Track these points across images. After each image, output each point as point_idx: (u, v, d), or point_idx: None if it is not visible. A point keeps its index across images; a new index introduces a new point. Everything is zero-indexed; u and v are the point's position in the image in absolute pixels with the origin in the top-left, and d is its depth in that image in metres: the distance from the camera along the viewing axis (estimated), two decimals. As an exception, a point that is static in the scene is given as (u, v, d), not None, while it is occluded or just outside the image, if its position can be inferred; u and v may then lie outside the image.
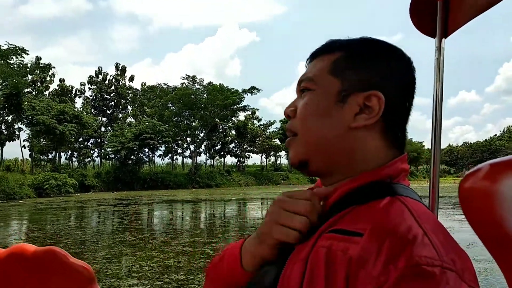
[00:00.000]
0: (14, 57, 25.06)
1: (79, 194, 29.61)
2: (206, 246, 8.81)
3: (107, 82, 44.81)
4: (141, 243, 9.43)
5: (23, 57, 25.83)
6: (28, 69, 28.50)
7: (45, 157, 35.83)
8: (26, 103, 30.89)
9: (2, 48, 24.11)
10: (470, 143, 64.27)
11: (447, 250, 0.47)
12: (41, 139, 33.89)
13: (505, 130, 59.19)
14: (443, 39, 1.25)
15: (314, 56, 0.68)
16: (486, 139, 61.58)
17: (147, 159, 40.21)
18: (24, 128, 33.33)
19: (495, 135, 60.56)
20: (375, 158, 0.61)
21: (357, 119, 0.60)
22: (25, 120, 31.87)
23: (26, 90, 39.22)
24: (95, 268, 6.86)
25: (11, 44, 24.44)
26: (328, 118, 0.61)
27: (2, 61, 24.14)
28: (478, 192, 0.66)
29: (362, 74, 0.62)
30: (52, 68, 40.53)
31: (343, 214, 0.56)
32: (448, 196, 21.39)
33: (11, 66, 25.15)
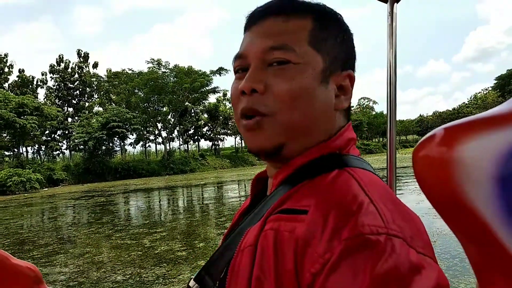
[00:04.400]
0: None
1: (46, 189, 28.70)
2: (146, 237, 8.45)
3: (69, 70, 43.07)
4: (82, 238, 9.01)
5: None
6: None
7: (10, 153, 34.49)
8: (-19, 97, 29.36)
9: None
10: (440, 112, 65.53)
11: (394, 217, 0.45)
12: (3, 134, 32.51)
13: (472, 97, 60.48)
14: (395, 3, 1.23)
15: (269, 13, 0.58)
16: (454, 108, 62.91)
17: (119, 148, 39.26)
18: (-16, 124, 31.77)
19: (463, 103, 61.89)
20: (332, 132, 0.58)
21: (339, 100, 0.58)
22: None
23: (-17, 84, 37.41)
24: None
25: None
26: (315, 99, 0.55)
27: None
28: (433, 160, 0.62)
29: (339, 51, 0.59)
30: (7, 58, 38.70)
31: (291, 193, 0.53)
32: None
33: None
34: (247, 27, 0.60)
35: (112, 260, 6.74)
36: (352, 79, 0.60)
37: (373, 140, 59.14)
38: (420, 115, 68.27)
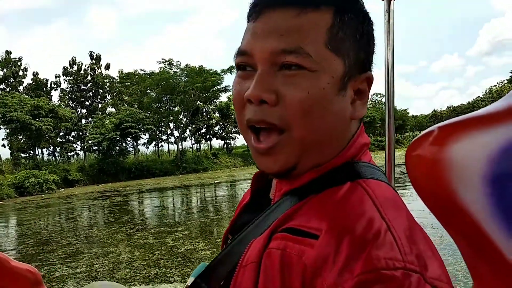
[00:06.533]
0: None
1: (62, 190, 29.06)
2: (168, 236, 8.47)
3: (82, 72, 43.54)
4: (104, 238, 9.07)
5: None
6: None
7: (27, 155, 35.07)
8: (-3, 100, 29.90)
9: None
10: (454, 106, 64.26)
11: (411, 245, 0.42)
12: (19, 136, 33.06)
13: (487, 91, 59.20)
14: (392, 1, 1.24)
15: (279, 2, 0.49)
16: (469, 102, 61.66)
17: (132, 149, 39.58)
18: (1, 127, 32.37)
19: (478, 96, 60.59)
20: (347, 139, 0.53)
21: (356, 108, 0.52)
22: (0, 119, 30.91)
23: (-2, 87, 38.06)
24: (44, 271, 6.51)
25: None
26: (332, 110, 0.49)
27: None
28: (426, 159, 0.62)
29: (359, 50, 0.51)
30: (22, 62, 39.28)
31: (299, 207, 0.49)
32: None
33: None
34: (252, 17, 0.51)
35: (137, 259, 6.76)
36: (370, 81, 0.53)
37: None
38: (434, 110, 67.12)
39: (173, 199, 17.20)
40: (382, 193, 0.47)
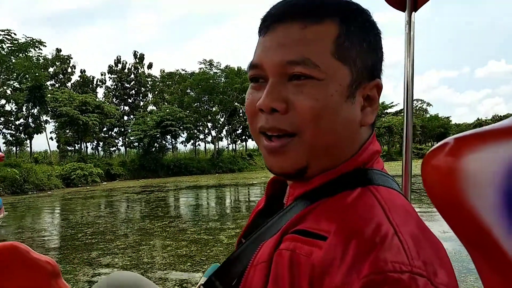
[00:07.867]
0: (32, 50, 25.34)
1: (105, 183, 30.20)
2: (221, 233, 8.58)
3: (126, 70, 45.14)
4: (158, 231, 9.33)
5: (41, 50, 26.12)
6: (49, 61, 28.88)
7: (72, 148, 36.80)
8: (49, 95, 31.53)
9: (20, 41, 24.42)
10: (500, 116, 61.09)
11: (419, 250, 0.43)
12: (66, 130, 34.75)
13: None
14: (413, 12, 1.25)
15: (285, 16, 0.51)
16: (519, 111, 58.73)
17: (171, 146, 40.56)
18: (50, 120, 34.18)
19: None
20: (358, 145, 0.55)
21: (366, 114, 0.54)
22: (50, 112, 32.61)
23: (49, 83, 40.19)
24: (107, 259, 6.77)
25: (28, 37, 24.71)
26: (341, 116, 0.51)
27: (21, 55, 24.45)
28: (441, 169, 0.64)
29: (367, 58, 0.53)
30: (71, 59, 41.28)
31: (309, 210, 0.51)
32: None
33: (31, 60, 25.48)
34: (261, 31, 0.54)
35: (196, 254, 6.88)
36: (379, 88, 0.54)
37: (427, 144, 56.54)
38: (478, 119, 64.06)
39: (216, 197, 17.44)
40: (391, 200, 0.49)
